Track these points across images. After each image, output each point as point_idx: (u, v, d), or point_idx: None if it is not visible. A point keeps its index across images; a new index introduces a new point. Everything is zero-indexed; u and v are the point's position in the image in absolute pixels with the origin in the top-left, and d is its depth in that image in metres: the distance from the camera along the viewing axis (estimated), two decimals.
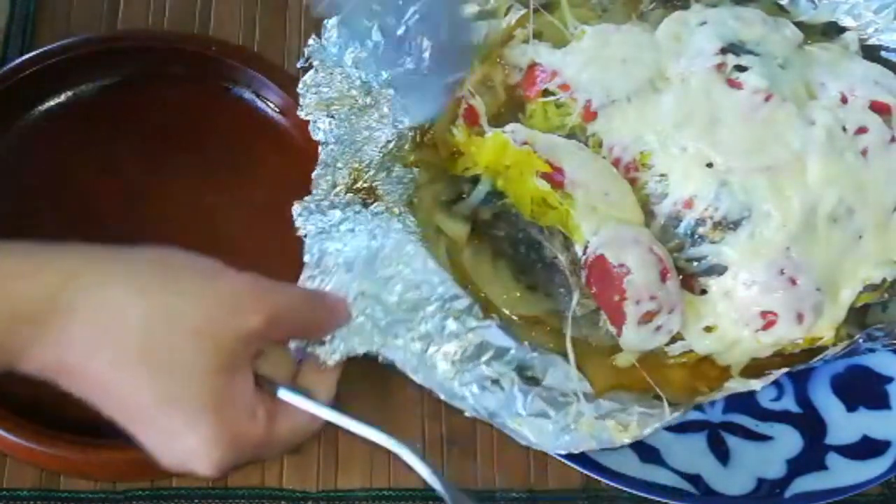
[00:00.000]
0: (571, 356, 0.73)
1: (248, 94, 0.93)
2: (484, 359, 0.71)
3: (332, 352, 0.68)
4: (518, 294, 0.78)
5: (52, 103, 0.92)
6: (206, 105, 0.93)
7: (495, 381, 0.71)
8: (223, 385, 0.59)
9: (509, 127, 0.78)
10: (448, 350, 0.70)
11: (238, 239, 0.86)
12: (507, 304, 0.78)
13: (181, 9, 1.01)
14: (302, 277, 0.72)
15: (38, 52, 0.92)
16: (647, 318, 0.73)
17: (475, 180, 0.78)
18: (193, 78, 0.93)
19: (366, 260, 0.73)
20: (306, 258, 0.73)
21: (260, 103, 0.93)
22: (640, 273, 0.73)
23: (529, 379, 0.72)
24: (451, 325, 0.71)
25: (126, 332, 0.57)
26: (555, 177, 0.75)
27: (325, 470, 0.81)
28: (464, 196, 0.79)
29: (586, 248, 0.74)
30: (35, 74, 0.90)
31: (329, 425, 0.73)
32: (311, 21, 0.87)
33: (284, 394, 0.64)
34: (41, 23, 0.98)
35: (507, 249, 0.78)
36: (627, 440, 0.70)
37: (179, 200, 0.88)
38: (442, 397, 0.70)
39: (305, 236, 0.73)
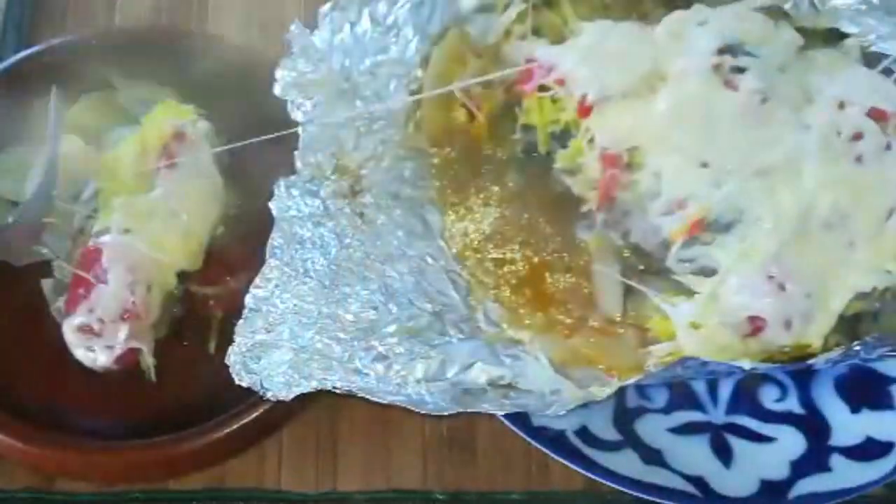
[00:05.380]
0: None
1: None
2: (450, 374, 0.72)
3: (290, 386, 0.69)
4: None
5: None
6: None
7: (467, 391, 0.72)
8: None
9: None
10: (411, 369, 0.71)
11: None
12: None
13: (178, 3, 1.01)
14: (259, 278, 0.73)
15: (35, 49, 0.92)
16: None
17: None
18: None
19: (327, 272, 0.74)
20: (270, 257, 0.74)
21: None
22: None
23: (502, 387, 0.72)
24: (412, 344, 0.72)
25: None
26: None
27: (324, 472, 0.80)
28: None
29: None
30: (32, 71, 0.90)
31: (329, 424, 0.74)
32: (310, 11, 0.87)
33: None
34: (38, 19, 0.98)
35: None
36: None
37: None
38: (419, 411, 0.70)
39: (277, 217, 0.75)
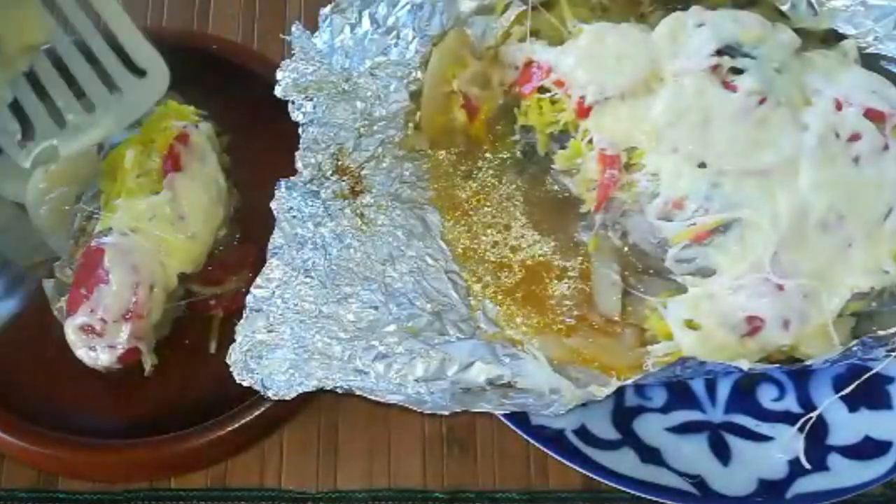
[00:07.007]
0: None
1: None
2: (450, 374, 0.72)
3: (291, 385, 0.70)
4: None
5: None
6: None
7: (466, 390, 0.72)
8: None
9: None
10: (411, 368, 0.72)
11: None
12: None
13: (180, 5, 1.01)
14: (260, 278, 0.74)
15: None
16: None
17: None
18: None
19: (327, 272, 0.75)
20: (270, 257, 0.75)
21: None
22: None
23: (501, 386, 0.73)
24: (411, 343, 0.73)
25: None
26: None
27: (325, 470, 0.81)
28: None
29: None
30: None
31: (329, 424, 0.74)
32: (311, 15, 0.88)
33: None
34: None
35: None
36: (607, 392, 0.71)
37: None
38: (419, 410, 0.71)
39: (278, 218, 0.76)
